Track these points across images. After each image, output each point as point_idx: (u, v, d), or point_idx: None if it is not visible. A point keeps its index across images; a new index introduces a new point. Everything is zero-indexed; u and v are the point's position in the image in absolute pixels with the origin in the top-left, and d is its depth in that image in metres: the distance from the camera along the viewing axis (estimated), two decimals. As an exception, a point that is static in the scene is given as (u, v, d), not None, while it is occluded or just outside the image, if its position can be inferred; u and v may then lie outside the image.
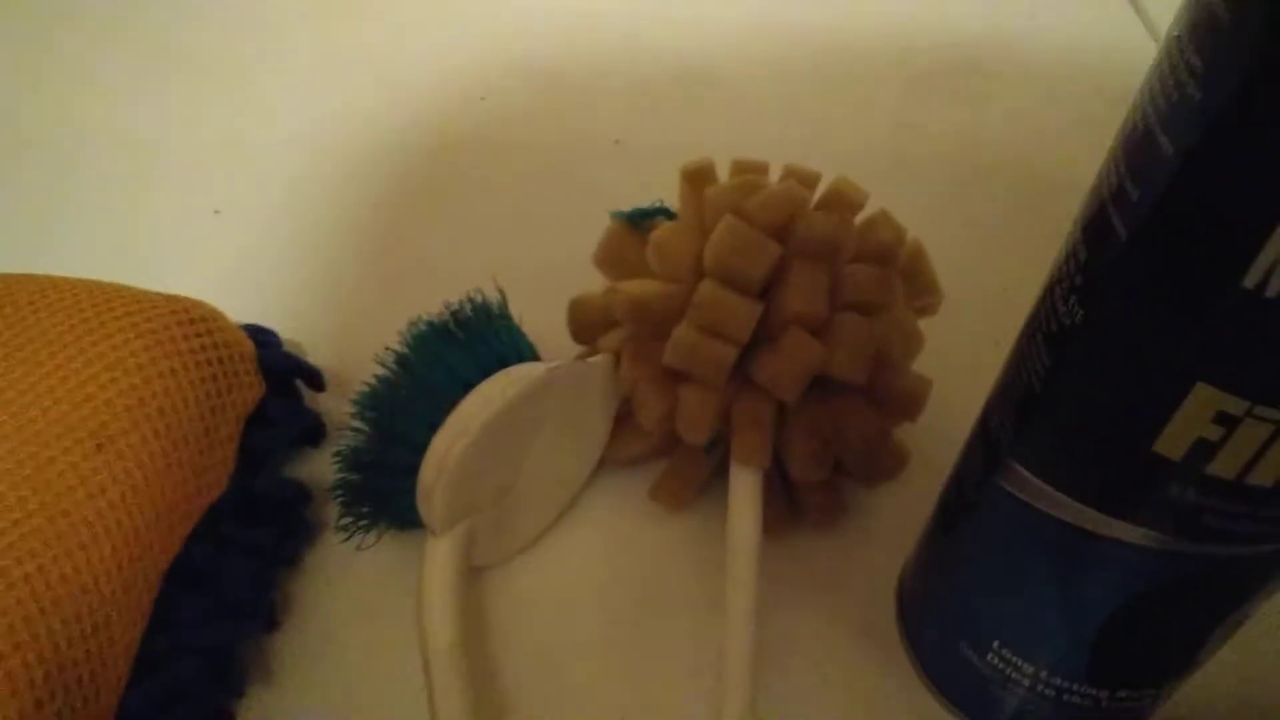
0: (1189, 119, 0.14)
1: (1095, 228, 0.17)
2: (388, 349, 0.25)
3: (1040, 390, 0.19)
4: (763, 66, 0.43)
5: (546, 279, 0.29)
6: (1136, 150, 0.16)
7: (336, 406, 0.29)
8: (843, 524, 0.28)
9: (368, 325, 0.30)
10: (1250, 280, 0.14)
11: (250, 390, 0.25)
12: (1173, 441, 0.17)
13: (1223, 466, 0.16)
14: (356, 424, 0.24)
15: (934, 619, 0.25)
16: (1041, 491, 0.19)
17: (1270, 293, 0.14)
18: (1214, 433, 0.16)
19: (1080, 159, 0.37)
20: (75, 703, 0.19)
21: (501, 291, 0.26)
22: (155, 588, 0.21)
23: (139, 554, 0.21)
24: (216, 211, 0.36)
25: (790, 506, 0.27)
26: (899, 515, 0.28)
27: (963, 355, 0.30)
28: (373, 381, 0.25)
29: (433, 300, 0.26)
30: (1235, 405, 0.16)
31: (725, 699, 0.22)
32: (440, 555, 0.23)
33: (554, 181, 0.38)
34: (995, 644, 0.23)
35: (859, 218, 0.26)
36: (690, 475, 0.27)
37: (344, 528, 0.25)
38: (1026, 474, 0.20)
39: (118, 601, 0.21)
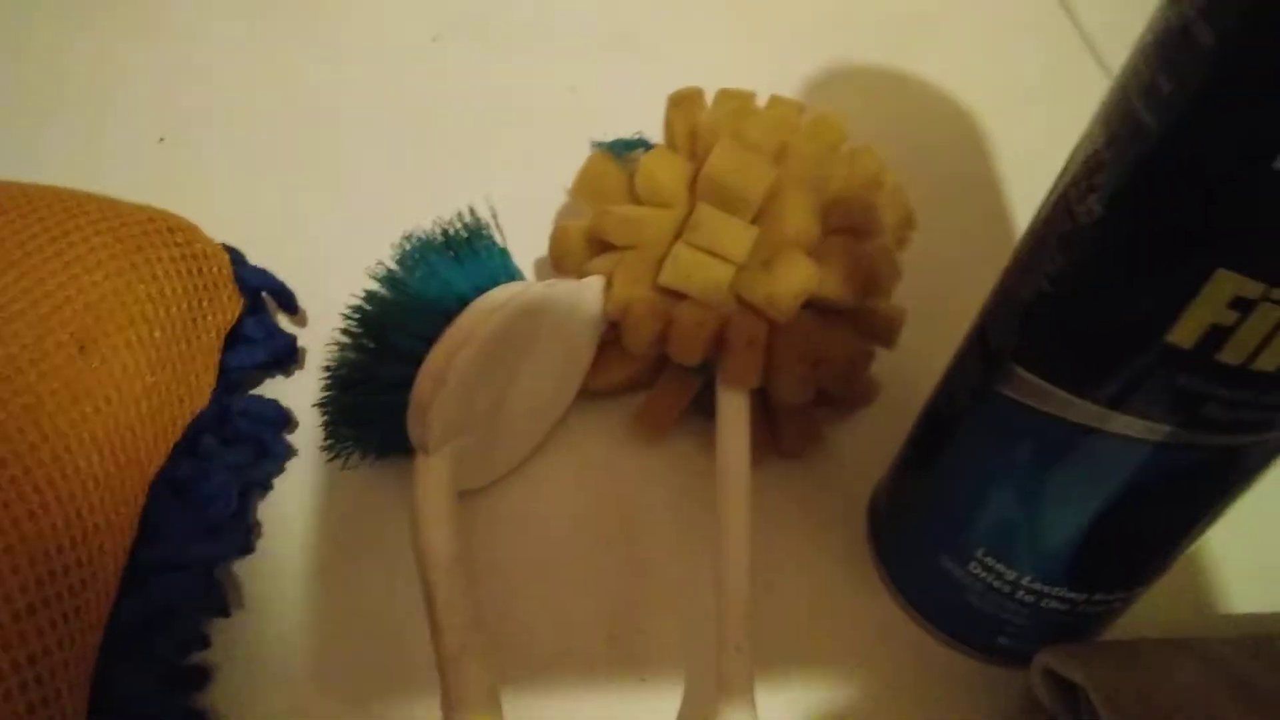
0: (1230, 4, 0.15)
1: (1121, 125, 0.18)
2: (379, 264, 0.24)
3: (1052, 291, 0.20)
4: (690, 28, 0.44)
5: (510, 218, 0.29)
6: (1171, 44, 0.16)
7: (303, 339, 0.28)
8: (814, 453, 0.29)
9: (327, 265, 0.29)
10: (1281, 162, 0.15)
11: (229, 303, 0.24)
12: (1187, 330, 0.17)
13: (1232, 353, 0.17)
14: (344, 339, 0.24)
15: (912, 535, 0.25)
16: (1046, 392, 0.20)
17: (1300, 174, 0.15)
18: (1229, 318, 0.17)
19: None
20: (66, 611, 0.18)
21: (492, 210, 0.26)
22: (142, 498, 0.20)
23: (126, 461, 0.20)
24: (161, 140, 0.34)
25: (767, 434, 0.28)
26: (868, 445, 0.29)
27: (921, 300, 0.31)
28: (361, 296, 0.24)
29: (394, 237, 0.26)
30: (1253, 289, 0.16)
31: (726, 610, 0.22)
32: (434, 471, 0.23)
33: (509, 123, 0.37)
34: (979, 552, 0.23)
35: (844, 149, 0.27)
36: (674, 400, 0.27)
37: (329, 447, 0.24)
38: (1031, 377, 0.20)
39: (106, 509, 0.20)
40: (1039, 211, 0.21)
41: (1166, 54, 0.17)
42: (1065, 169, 0.20)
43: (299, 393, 0.27)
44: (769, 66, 0.41)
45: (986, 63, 0.43)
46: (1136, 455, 0.20)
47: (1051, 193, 0.20)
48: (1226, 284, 0.17)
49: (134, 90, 0.36)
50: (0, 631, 0.17)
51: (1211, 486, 0.21)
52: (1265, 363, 0.17)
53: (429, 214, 0.26)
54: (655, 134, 0.29)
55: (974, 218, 0.36)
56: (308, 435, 0.27)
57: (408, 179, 0.34)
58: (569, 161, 0.28)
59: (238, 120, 0.35)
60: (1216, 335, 0.17)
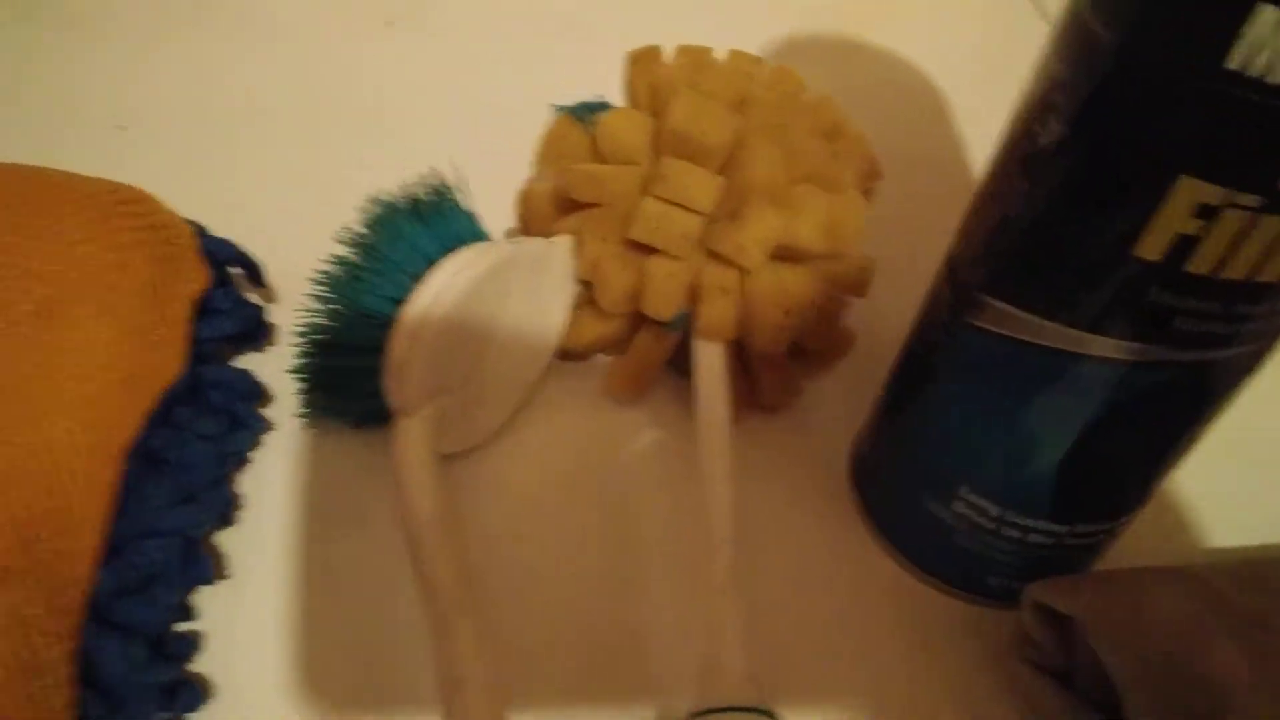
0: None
1: (1075, 42, 0.18)
2: (345, 228, 0.24)
3: (1018, 216, 0.20)
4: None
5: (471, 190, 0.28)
6: (1122, -46, 0.17)
7: (270, 316, 0.28)
8: (793, 407, 0.29)
9: (291, 243, 0.29)
10: (1234, 61, 0.15)
11: (196, 274, 0.23)
12: (1153, 242, 0.18)
13: (1200, 263, 0.18)
14: (315, 304, 0.23)
15: (896, 480, 0.25)
16: (1017, 319, 0.20)
17: (1252, 72, 0.15)
18: (1194, 227, 0.17)
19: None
20: (49, 579, 0.18)
21: (457, 172, 0.26)
22: (118, 465, 0.20)
23: (100, 429, 0.20)
24: (121, 127, 0.33)
25: (745, 389, 0.28)
26: (845, 396, 0.29)
27: (887, 254, 0.31)
28: (330, 262, 0.24)
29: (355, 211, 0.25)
30: (1216, 195, 0.17)
31: (714, 555, 0.22)
32: (414, 432, 0.23)
33: (467, 98, 0.37)
34: (963, 490, 0.23)
35: (804, 97, 0.27)
36: (650, 357, 0.27)
37: (305, 414, 0.24)
38: (1002, 305, 0.20)
39: (83, 476, 0.19)
40: (1000, 141, 0.21)
41: (1119, -36, 0.17)
42: (1024, 95, 0.20)
43: (271, 368, 0.27)
44: (723, 39, 0.41)
45: (940, 27, 0.44)
46: (1110, 376, 0.20)
47: (1012, 121, 0.20)
48: (1189, 191, 0.17)
49: (93, 81, 0.36)
50: (-22, 597, 0.17)
51: (1185, 406, 0.21)
52: (1233, 271, 0.18)
53: (388, 187, 0.26)
54: (616, 100, 0.29)
55: (931, 181, 0.37)
56: (283, 410, 0.26)
57: (365, 157, 0.34)
58: (528, 133, 0.28)
59: (198, 106, 0.35)
60: (1184, 245, 0.17)
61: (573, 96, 0.30)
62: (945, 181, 0.37)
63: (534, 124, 0.29)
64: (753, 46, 0.41)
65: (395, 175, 0.27)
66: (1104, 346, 0.19)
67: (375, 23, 0.40)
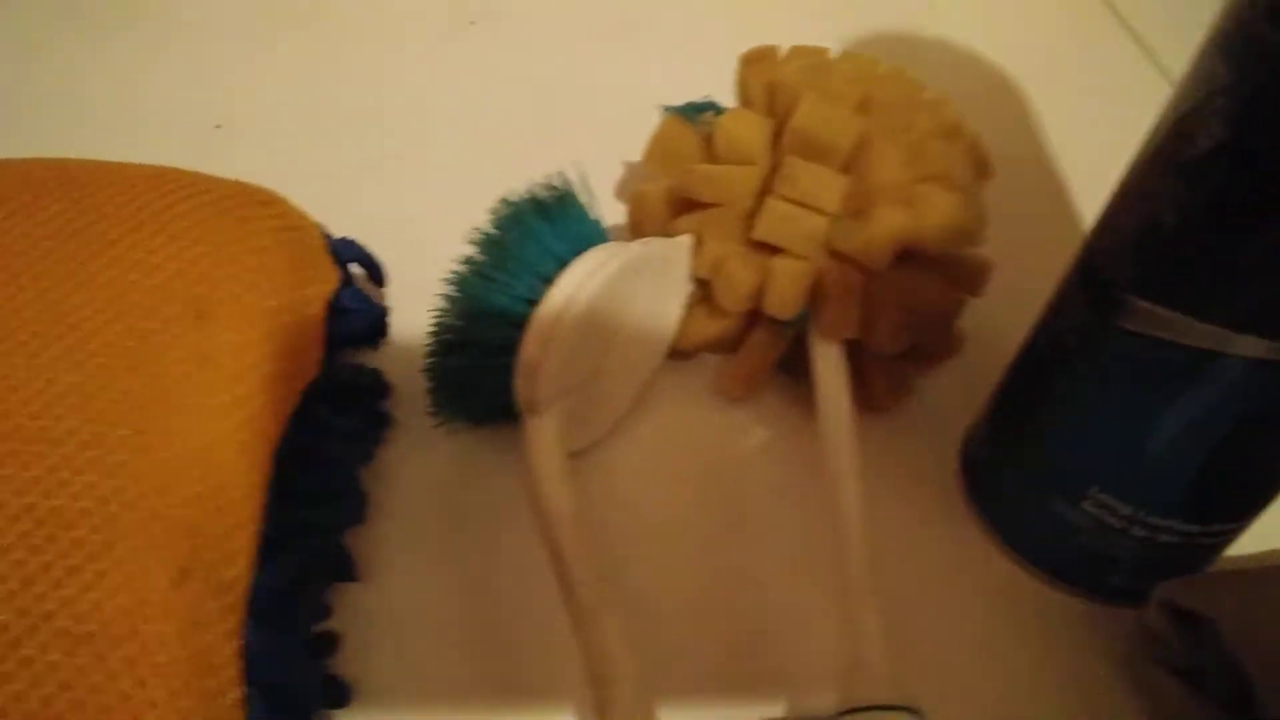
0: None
1: (1243, 48, 0.18)
2: (475, 229, 0.24)
3: (1171, 218, 0.20)
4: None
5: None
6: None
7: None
8: (900, 407, 0.29)
9: (399, 243, 0.29)
10: None
11: (329, 274, 0.24)
12: (1320, 244, 0.18)
13: (1368, 264, 0.18)
14: (446, 304, 0.24)
15: (1019, 480, 0.25)
16: (1165, 320, 0.20)
17: None
18: (1362, 229, 0.17)
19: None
20: (216, 579, 0.18)
21: (581, 174, 0.26)
22: (269, 463, 0.20)
23: (253, 428, 0.20)
24: (218, 127, 0.34)
25: (855, 388, 0.28)
26: (951, 397, 0.29)
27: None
28: (461, 263, 0.24)
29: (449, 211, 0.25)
30: (1390, 197, 0.17)
31: (848, 555, 0.22)
32: (546, 431, 0.23)
33: (553, 101, 0.37)
34: (1093, 490, 0.23)
35: (924, 97, 0.27)
36: (764, 357, 0.27)
37: (435, 412, 0.24)
38: (1149, 305, 0.20)
39: (240, 476, 0.19)
40: (1147, 143, 0.21)
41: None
42: (1176, 98, 0.20)
43: (389, 365, 0.27)
44: (787, 36, 0.41)
45: (1008, 24, 0.44)
46: (1255, 374, 0.20)
47: (1162, 123, 0.20)
48: (1362, 194, 0.17)
49: (189, 82, 0.36)
50: (160, 598, 0.17)
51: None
52: (1399, 272, 0.18)
53: (480, 192, 0.26)
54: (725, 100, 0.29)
55: (1017, 178, 0.37)
56: (404, 407, 0.27)
57: (455, 160, 0.34)
58: (619, 134, 0.28)
59: (292, 106, 0.36)
60: (1350, 247, 0.17)
61: (656, 99, 0.31)
62: (1029, 178, 0.37)
63: (622, 126, 0.29)
64: (820, 41, 0.41)
65: (488, 180, 0.27)
66: (1252, 346, 0.19)
67: (459, 23, 0.40)
